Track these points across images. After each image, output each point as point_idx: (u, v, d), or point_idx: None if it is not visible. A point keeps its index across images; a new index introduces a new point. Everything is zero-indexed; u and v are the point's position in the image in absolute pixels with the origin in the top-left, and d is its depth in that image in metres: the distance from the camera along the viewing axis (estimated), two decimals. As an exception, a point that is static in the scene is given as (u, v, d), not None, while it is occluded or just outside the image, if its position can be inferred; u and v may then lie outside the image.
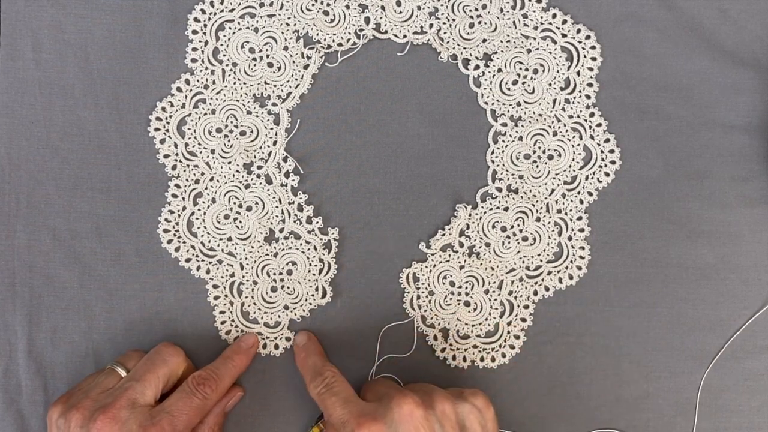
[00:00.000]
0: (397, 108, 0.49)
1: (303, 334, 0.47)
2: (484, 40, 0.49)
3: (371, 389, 0.43)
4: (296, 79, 0.48)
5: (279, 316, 0.47)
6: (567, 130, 0.49)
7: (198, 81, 0.48)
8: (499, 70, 0.49)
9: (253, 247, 0.47)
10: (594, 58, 0.49)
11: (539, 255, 0.48)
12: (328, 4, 0.49)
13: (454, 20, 0.49)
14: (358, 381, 0.46)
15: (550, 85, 0.49)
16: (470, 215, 0.48)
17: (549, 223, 0.48)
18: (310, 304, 0.48)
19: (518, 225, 0.48)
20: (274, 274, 0.48)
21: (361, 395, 0.42)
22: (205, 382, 0.43)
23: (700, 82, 0.50)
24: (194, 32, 0.48)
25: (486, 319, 0.48)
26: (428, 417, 0.39)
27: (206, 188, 0.48)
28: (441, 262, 0.48)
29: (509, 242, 0.48)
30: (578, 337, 0.48)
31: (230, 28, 0.48)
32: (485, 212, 0.48)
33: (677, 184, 0.49)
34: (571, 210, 0.49)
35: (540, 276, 0.48)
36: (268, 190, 0.48)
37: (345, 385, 0.42)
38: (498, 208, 0.48)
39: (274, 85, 0.48)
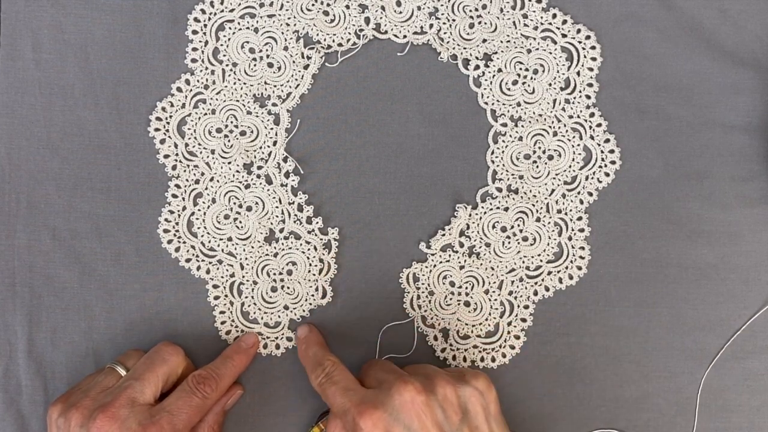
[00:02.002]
0: (397, 108, 0.49)
1: (304, 326, 0.47)
2: (484, 40, 0.49)
3: (370, 374, 0.43)
4: (296, 79, 0.48)
5: (279, 316, 0.47)
6: (567, 131, 0.49)
7: (198, 81, 0.48)
8: (499, 70, 0.49)
9: (253, 247, 0.47)
10: (594, 58, 0.49)
11: (539, 255, 0.48)
12: (328, 5, 0.49)
13: (454, 20, 0.49)
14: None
15: (550, 85, 0.49)
16: (470, 215, 0.48)
17: (549, 223, 0.48)
18: (310, 304, 0.48)
19: (518, 225, 0.48)
20: (274, 274, 0.48)
21: (359, 379, 0.42)
22: (205, 381, 0.43)
23: (700, 82, 0.50)
24: (194, 32, 0.48)
25: (486, 319, 0.48)
26: (429, 403, 0.39)
27: (206, 188, 0.48)
28: (441, 262, 0.48)
29: (509, 242, 0.48)
30: (578, 337, 0.48)
31: (230, 28, 0.48)
32: (485, 212, 0.48)
33: (677, 184, 0.49)
34: (571, 210, 0.49)
35: (540, 276, 0.48)
36: (268, 190, 0.48)
37: (345, 374, 0.42)
38: (498, 208, 0.48)
39: (274, 85, 0.48)
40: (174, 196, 0.48)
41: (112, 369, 0.43)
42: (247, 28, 0.48)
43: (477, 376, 0.41)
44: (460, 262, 0.48)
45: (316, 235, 0.48)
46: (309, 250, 0.48)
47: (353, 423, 0.38)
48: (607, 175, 0.49)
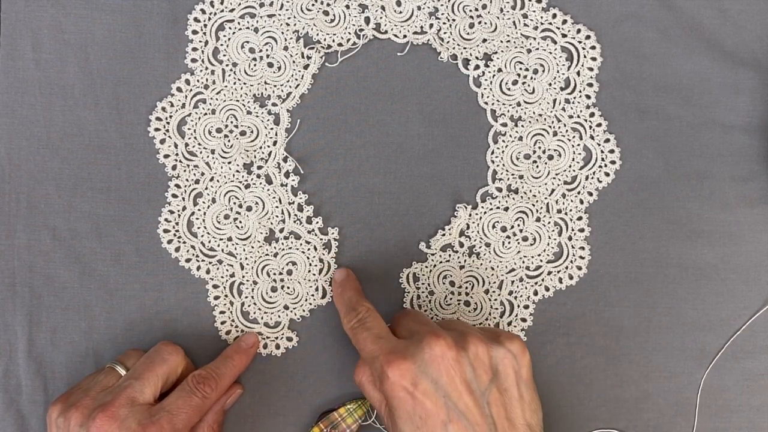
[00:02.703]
0: (397, 108, 0.49)
1: (342, 270, 0.46)
2: (484, 40, 0.49)
3: (402, 323, 0.42)
4: (296, 79, 0.48)
5: (279, 316, 0.47)
6: (567, 130, 0.49)
7: (198, 81, 0.48)
8: (499, 70, 0.49)
9: (253, 247, 0.47)
10: (594, 58, 0.49)
11: (539, 255, 0.48)
12: (328, 4, 0.49)
13: (454, 20, 0.49)
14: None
15: (550, 85, 0.49)
16: (470, 215, 0.48)
17: (549, 223, 0.48)
18: (310, 304, 0.48)
19: (518, 225, 0.48)
20: (274, 274, 0.48)
21: (391, 328, 0.42)
22: (205, 381, 0.43)
23: (700, 82, 0.50)
24: (194, 32, 0.48)
25: (486, 319, 0.48)
26: (460, 359, 0.38)
27: (206, 188, 0.48)
28: (441, 262, 0.48)
29: (509, 242, 0.48)
30: (578, 337, 0.48)
31: (230, 28, 0.48)
32: (485, 212, 0.48)
33: (677, 184, 0.49)
34: (571, 210, 0.49)
35: (540, 276, 0.48)
36: (268, 190, 0.48)
37: (379, 321, 0.41)
38: (498, 208, 0.48)
39: (274, 85, 0.48)
40: (174, 196, 0.48)
41: (112, 369, 0.43)
42: (247, 28, 0.48)
43: (512, 339, 0.40)
44: (460, 262, 0.48)
45: (316, 235, 0.48)
46: (309, 250, 0.48)
47: (381, 371, 0.38)
48: (607, 175, 0.49)
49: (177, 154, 0.48)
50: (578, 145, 0.49)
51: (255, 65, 0.48)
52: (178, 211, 0.48)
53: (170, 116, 0.48)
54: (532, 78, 0.49)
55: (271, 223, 0.48)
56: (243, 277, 0.47)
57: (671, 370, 0.48)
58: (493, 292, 0.48)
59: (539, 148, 0.49)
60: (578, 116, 0.49)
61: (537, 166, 0.49)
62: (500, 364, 0.39)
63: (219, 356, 0.45)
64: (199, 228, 0.47)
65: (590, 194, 0.49)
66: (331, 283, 0.47)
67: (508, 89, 0.49)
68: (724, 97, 0.50)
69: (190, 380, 0.42)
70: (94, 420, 0.39)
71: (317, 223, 0.48)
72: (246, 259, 0.47)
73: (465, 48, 0.49)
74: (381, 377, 0.38)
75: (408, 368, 0.38)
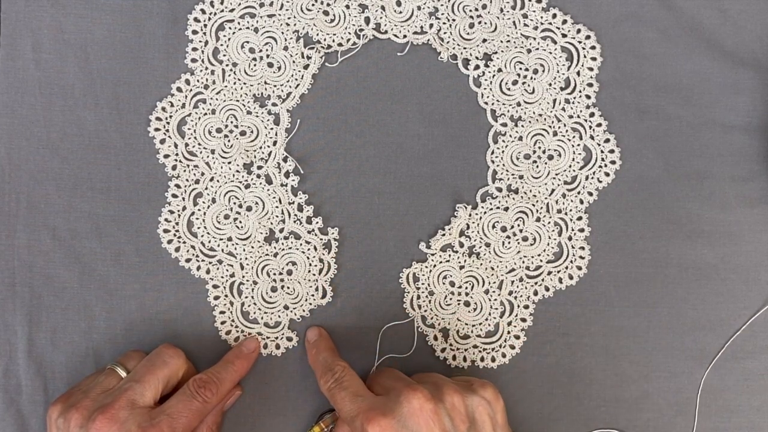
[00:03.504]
0: (397, 108, 0.49)
1: (314, 330, 0.47)
2: (484, 40, 0.49)
3: (378, 381, 0.43)
4: (296, 79, 0.48)
5: (279, 316, 0.47)
6: (567, 130, 0.49)
7: (198, 81, 0.48)
8: (499, 70, 0.49)
9: (253, 247, 0.47)
10: (594, 58, 0.49)
11: (539, 255, 0.48)
12: (328, 4, 0.49)
13: (454, 20, 0.49)
14: (358, 381, 0.46)
15: (550, 85, 0.49)
16: (470, 215, 0.48)
17: (549, 223, 0.48)
18: (310, 304, 0.48)
19: (518, 225, 0.48)
20: (274, 274, 0.48)
21: (367, 386, 0.42)
22: (206, 385, 0.42)
23: (700, 82, 0.50)
24: (194, 32, 0.48)
25: (486, 319, 0.48)
26: (438, 411, 0.39)
27: (206, 188, 0.48)
28: (441, 262, 0.48)
29: (509, 242, 0.48)
30: (578, 337, 0.48)
31: (230, 28, 0.48)
32: (485, 212, 0.48)
33: (677, 184, 0.49)
34: (571, 210, 0.49)
35: (540, 276, 0.48)
36: (268, 190, 0.48)
37: (355, 380, 0.42)
38: (498, 208, 0.48)
39: (274, 85, 0.48)
40: (174, 196, 0.48)
41: (113, 370, 0.43)
42: (247, 28, 0.48)
43: (485, 386, 0.41)
44: (460, 262, 0.48)
45: (316, 235, 0.48)
46: (309, 250, 0.48)
47: (362, 429, 0.39)
48: (607, 175, 0.49)
49: (177, 154, 0.48)
50: (578, 145, 0.49)
51: (255, 65, 0.48)
52: (178, 211, 0.48)
53: (170, 116, 0.48)
54: (532, 78, 0.49)
55: (271, 223, 0.48)
56: (243, 277, 0.47)
57: (671, 370, 0.48)
58: (493, 292, 0.48)
59: (539, 148, 0.49)
60: (578, 116, 0.49)
61: (537, 166, 0.49)
62: (476, 412, 0.40)
63: (220, 361, 0.45)
64: (199, 228, 0.47)
65: (590, 194, 0.49)
66: (331, 284, 0.48)
67: (508, 89, 0.49)
68: (724, 97, 0.50)
69: (191, 384, 0.42)
70: (94, 422, 0.39)
71: (317, 223, 0.48)
72: (246, 259, 0.47)
73: (465, 48, 0.49)
74: None
75: (388, 424, 0.38)
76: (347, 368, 0.43)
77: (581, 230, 0.48)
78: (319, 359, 0.44)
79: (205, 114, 0.48)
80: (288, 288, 0.47)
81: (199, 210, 0.48)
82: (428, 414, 0.38)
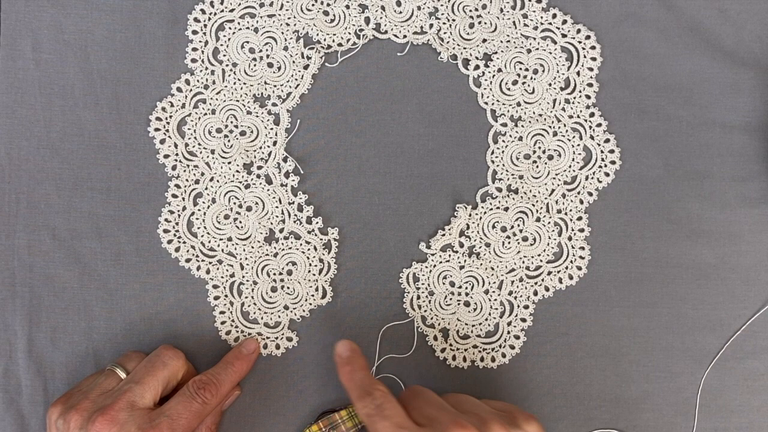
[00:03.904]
0: (397, 108, 0.49)
1: (346, 344, 0.43)
2: (484, 40, 0.49)
3: (416, 407, 0.40)
4: (296, 79, 0.48)
5: (279, 316, 0.47)
6: (567, 130, 0.49)
7: (198, 81, 0.48)
8: (499, 70, 0.49)
9: (253, 247, 0.47)
10: (594, 58, 0.49)
11: (539, 255, 0.48)
12: (328, 4, 0.49)
13: (454, 20, 0.49)
14: (358, 381, 0.46)
15: (550, 85, 0.49)
16: (470, 215, 0.48)
17: (549, 223, 0.48)
18: (310, 304, 0.48)
19: (518, 225, 0.48)
20: (274, 274, 0.48)
21: (403, 406, 0.40)
22: (206, 387, 0.42)
23: (700, 82, 0.50)
24: (194, 32, 0.48)
25: (486, 319, 0.48)
26: None
27: (206, 188, 0.48)
28: (441, 262, 0.48)
29: (509, 242, 0.48)
30: (578, 337, 0.48)
31: (230, 28, 0.48)
32: (485, 212, 0.48)
33: (677, 184, 0.49)
34: (571, 210, 0.49)
35: (540, 276, 0.48)
36: (268, 190, 0.48)
37: (397, 409, 0.39)
38: (498, 208, 0.48)
39: (274, 85, 0.48)
40: (174, 196, 0.48)
41: (112, 371, 0.43)
42: (247, 28, 0.48)
43: (530, 421, 0.40)
44: (460, 262, 0.48)
45: (316, 235, 0.48)
46: (309, 250, 0.48)
47: None
48: (607, 175, 0.49)
49: (177, 154, 0.48)
50: (578, 145, 0.49)
51: (255, 65, 0.48)
52: (178, 211, 0.48)
53: (170, 116, 0.48)
54: (532, 78, 0.49)
55: (271, 223, 0.48)
56: (243, 277, 0.47)
57: (671, 370, 0.48)
58: (493, 292, 0.48)
59: (539, 148, 0.49)
60: (578, 116, 0.49)
61: (537, 166, 0.49)
62: None
63: (220, 362, 0.45)
64: (199, 228, 0.47)
65: (590, 194, 0.49)
66: (331, 284, 0.48)
67: (508, 89, 0.49)
68: (724, 97, 0.50)
69: (191, 386, 0.42)
70: (94, 423, 0.39)
71: (317, 223, 0.48)
72: (246, 259, 0.47)
73: (465, 48, 0.49)
74: None
75: None
76: (388, 394, 0.40)
77: (581, 230, 0.48)
78: (355, 379, 0.42)
79: (205, 114, 0.48)
80: (288, 288, 0.47)
81: (199, 210, 0.48)
82: None
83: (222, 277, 0.47)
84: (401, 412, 0.39)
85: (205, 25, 0.48)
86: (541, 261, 0.48)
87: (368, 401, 0.39)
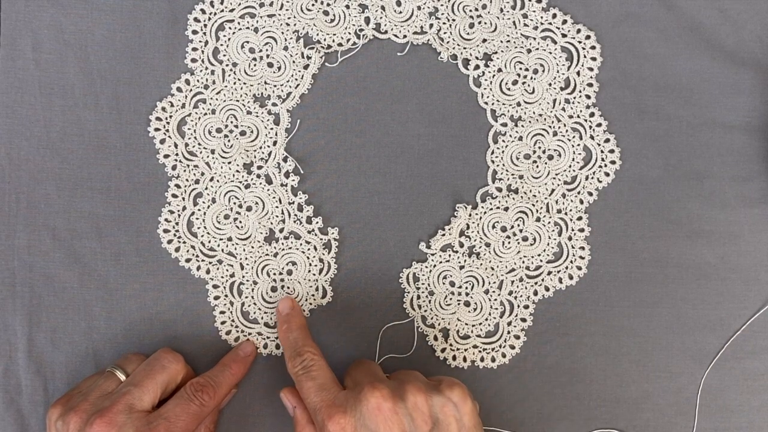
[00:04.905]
0: (397, 108, 0.49)
1: (287, 301, 0.46)
2: (484, 40, 0.49)
3: (350, 374, 0.42)
4: (296, 79, 0.48)
5: (279, 316, 0.47)
6: (567, 130, 0.49)
7: (198, 81, 0.48)
8: (499, 70, 0.49)
9: (253, 247, 0.48)
10: (594, 58, 0.49)
11: (539, 255, 0.48)
12: (328, 4, 0.49)
13: (454, 20, 0.49)
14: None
15: (550, 85, 0.49)
16: (470, 215, 0.48)
17: (549, 223, 0.48)
18: (310, 304, 0.48)
19: (518, 225, 0.48)
20: (274, 274, 0.48)
21: (344, 376, 0.43)
22: (203, 389, 0.43)
23: (700, 82, 0.50)
24: (194, 32, 0.48)
25: (486, 319, 0.48)
26: (397, 410, 0.38)
27: (206, 188, 0.48)
28: (441, 262, 0.48)
29: (509, 242, 0.48)
30: (578, 337, 0.48)
31: (230, 28, 0.48)
32: (485, 212, 0.48)
33: (677, 184, 0.49)
34: (571, 210, 0.49)
35: (540, 276, 0.48)
36: (268, 190, 0.48)
37: (323, 370, 0.41)
38: (498, 208, 0.48)
39: (274, 85, 0.48)
40: (174, 196, 0.48)
41: (112, 373, 0.43)
42: (247, 28, 0.48)
43: (452, 386, 0.40)
44: (460, 262, 0.48)
45: (316, 235, 0.48)
46: (309, 250, 0.48)
47: (322, 424, 0.39)
48: (607, 175, 0.49)
49: (177, 154, 0.48)
50: (578, 145, 0.49)
51: (255, 65, 0.48)
52: (178, 211, 0.48)
53: (170, 116, 0.48)
54: (532, 78, 0.49)
55: (271, 223, 0.48)
56: (243, 277, 0.47)
57: (671, 370, 0.48)
58: (493, 292, 0.48)
59: (539, 148, 0.49)
60: (578, 116, 0.49)
61: (537, 166, 0.49)
62: (440, 413, 0.39)
63: (217, 364, 0.45)
64: (199, 228, 0.47)
65: (590, 194, 0.49)
66: (331, 284, 0.48)
67: (508, 89, 0.49)
68: (724, 97, 0.50)
69: (189, 388, 0.42)
70: (92, 425, 0.39)
71: (317, 223, 0.48)
72: (246, 259, 0.47)
73: (465, 48, 0.49)
74: (323, 430, 0.39)
75: (348, 422, 0.38)
76: (317, 355, 0.42)
77: (581, 230, 0.48)
78: (290, 338, 0.44)
79: (205, 114, 0.48)
80: (288, 288, 0.47)
81: (199, 210, 0.48)
82: (386, 413, 0.38)
83: (222, 277, 0.47)
84: (327, 374, 0.41)
85: (205, 25, 0.48)
86: (541, 261, 0.48)
87: (297, 362, 0.42)
